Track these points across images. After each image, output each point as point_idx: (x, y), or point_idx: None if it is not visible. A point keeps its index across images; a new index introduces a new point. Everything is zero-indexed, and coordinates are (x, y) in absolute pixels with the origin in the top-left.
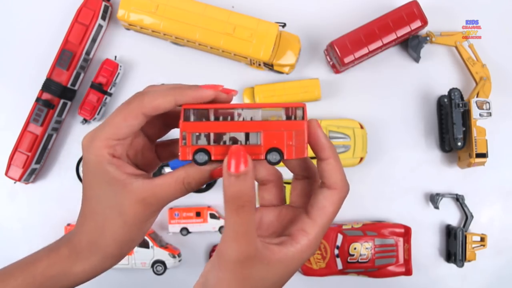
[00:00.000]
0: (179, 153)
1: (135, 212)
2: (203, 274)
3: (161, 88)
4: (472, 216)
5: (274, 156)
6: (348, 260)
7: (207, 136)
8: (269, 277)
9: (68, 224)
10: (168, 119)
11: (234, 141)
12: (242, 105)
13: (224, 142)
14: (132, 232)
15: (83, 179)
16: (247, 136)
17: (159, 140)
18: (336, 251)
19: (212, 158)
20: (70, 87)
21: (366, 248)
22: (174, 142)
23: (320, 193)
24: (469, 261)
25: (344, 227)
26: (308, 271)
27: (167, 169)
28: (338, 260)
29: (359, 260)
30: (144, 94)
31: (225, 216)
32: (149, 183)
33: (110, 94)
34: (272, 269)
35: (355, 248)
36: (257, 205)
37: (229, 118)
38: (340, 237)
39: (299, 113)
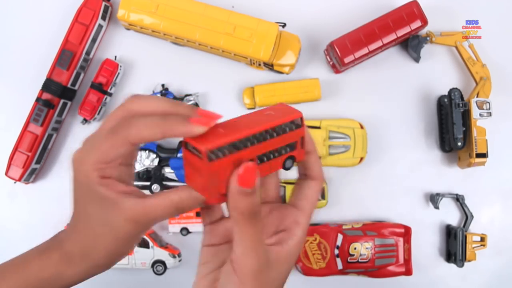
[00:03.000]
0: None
1: (126, 230)
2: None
3: (149, 119)
4: (472, 216)
5: (289, 163)
6: (348, 260)
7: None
8: (277, 277)
9: (68, 224)
10: None
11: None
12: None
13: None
14: (123, 246)
15: (73, 196)
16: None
17: None
18: (336, 251)
19: None
20: (70, 87)
21: (366, 248)
22: None
23: (305, 184)
24: (469, 261)
25: (344, 227)
26: (308, 271)
27: (166, 169)
28: (338, 260)
29: (359, 260)
30: (131, 125)
31: (239, 229)
32: (140, 203)
33: (110, 94)
34: (279, 269)
35: (355, 248)
36: None
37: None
38: (340, 237)
39: (298, 121)
